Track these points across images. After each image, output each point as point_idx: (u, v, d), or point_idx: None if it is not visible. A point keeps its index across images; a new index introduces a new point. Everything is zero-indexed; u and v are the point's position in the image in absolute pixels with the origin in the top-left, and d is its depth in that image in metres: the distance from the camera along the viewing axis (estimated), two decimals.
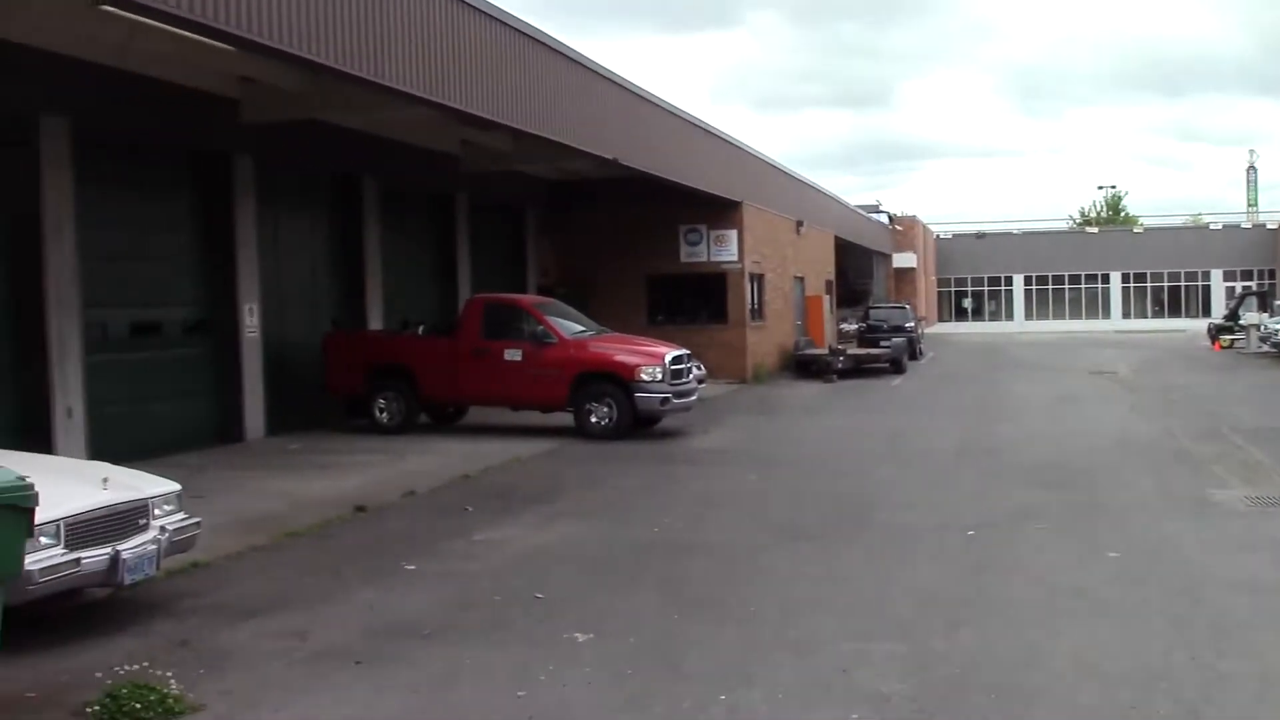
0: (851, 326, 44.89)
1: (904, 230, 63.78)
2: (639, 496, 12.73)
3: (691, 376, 18.76)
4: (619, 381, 17.56)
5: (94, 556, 7.27)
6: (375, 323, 20.85)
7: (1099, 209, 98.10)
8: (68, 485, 7.43)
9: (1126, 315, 71.83)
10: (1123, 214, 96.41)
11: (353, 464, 15.14)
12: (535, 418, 19.02)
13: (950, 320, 75.75)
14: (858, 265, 54.16)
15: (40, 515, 5.75)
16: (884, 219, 59.97)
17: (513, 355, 17.92)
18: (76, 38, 13.50)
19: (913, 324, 38.65)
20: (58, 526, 7.08)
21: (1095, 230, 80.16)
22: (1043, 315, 73.19)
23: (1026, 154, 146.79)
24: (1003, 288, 75.12)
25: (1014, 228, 77.49)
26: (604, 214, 28.88)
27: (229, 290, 17.33)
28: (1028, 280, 74.33)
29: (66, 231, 14.07)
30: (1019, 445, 16.82)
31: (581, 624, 7.60)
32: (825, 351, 31.70)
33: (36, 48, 13.22)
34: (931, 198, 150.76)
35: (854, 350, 33.67)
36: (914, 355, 37.29)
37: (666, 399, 17.58)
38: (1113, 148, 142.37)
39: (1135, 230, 76.85)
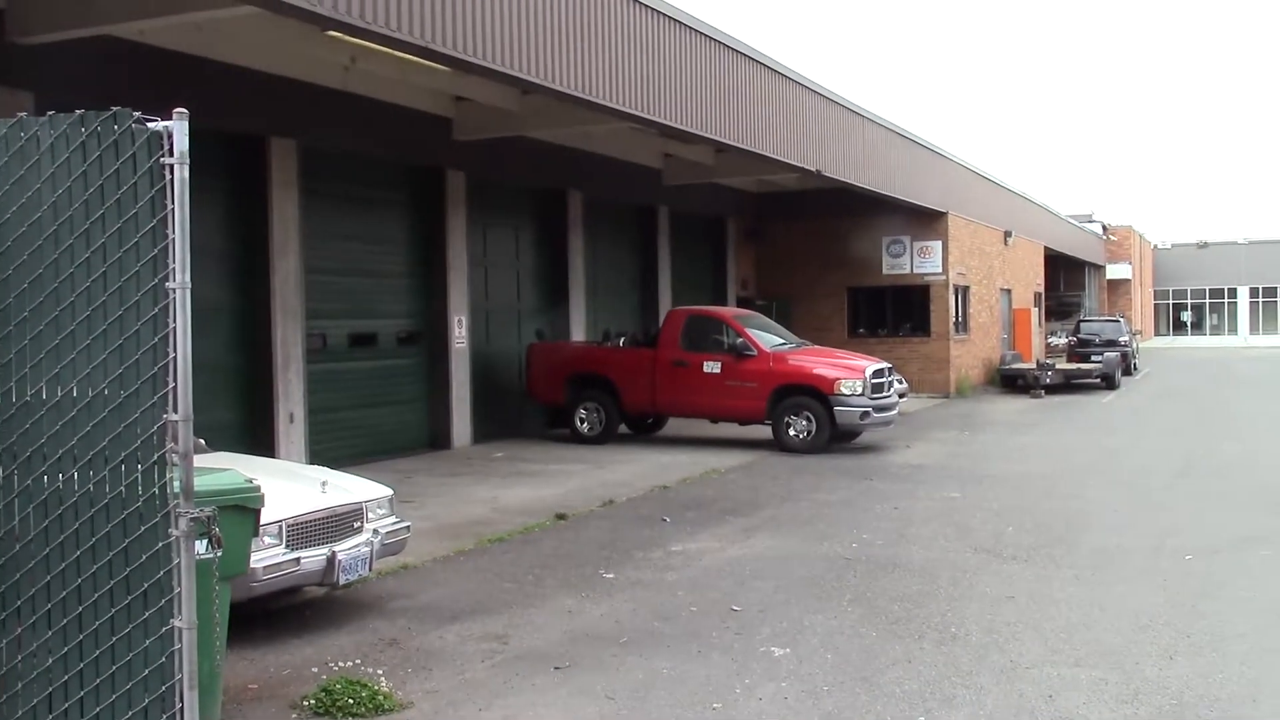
0: (1061, 340, 43.38)
1: (1118, 240, 61.40)
2: (838, 511, 12.58)
3: (892, 390, 18.42)
4: (818, 395, 17.40)
5: (313, 556, 7.62)
6: (577, 334, 21.21)
7: None
8: (290, 488, 7.80)
9: None
10: None
11: (554, 472, 15.42)
12: (733, 430, 19.00)
13: (1168, 334, 72.56)
14: (1068, 277, 52.37)
15: (265, 516, 6.06)
16: (1097, 229, 57.81)
17: (712, 367, 17.96)
18: (302, 61, 14.23)
19: (1126, 338, 37.09)
20: (280, 527, 7.45)
21: None
22: (1270, 330, 69.36)
23: (1257, 154, 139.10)
24: (1225, 300, 71.53)
25: (1240, 236, 73.63)
26: (804, 226, 28.68)
27: (439, 302, 17.91)
28: (1254, 292, 70.59)
29: (292, 246, 14.82)
30: (1244, 466, 15.92)
31: (778, 638, 7.55)
32: (1033, 366, 30.70)
33: (265, 72, 13.99)
34: (1152, 204, 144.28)
35: (1063, 365, 32.47)
36: (1128, 370, 35.75)
37: (866, 413, 17.32)
38: None
39: None
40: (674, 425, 20.01)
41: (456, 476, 15.03)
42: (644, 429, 19.91)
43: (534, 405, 19.80)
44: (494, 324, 19.59)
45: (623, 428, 19.31)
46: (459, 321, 18.13)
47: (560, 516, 12.00)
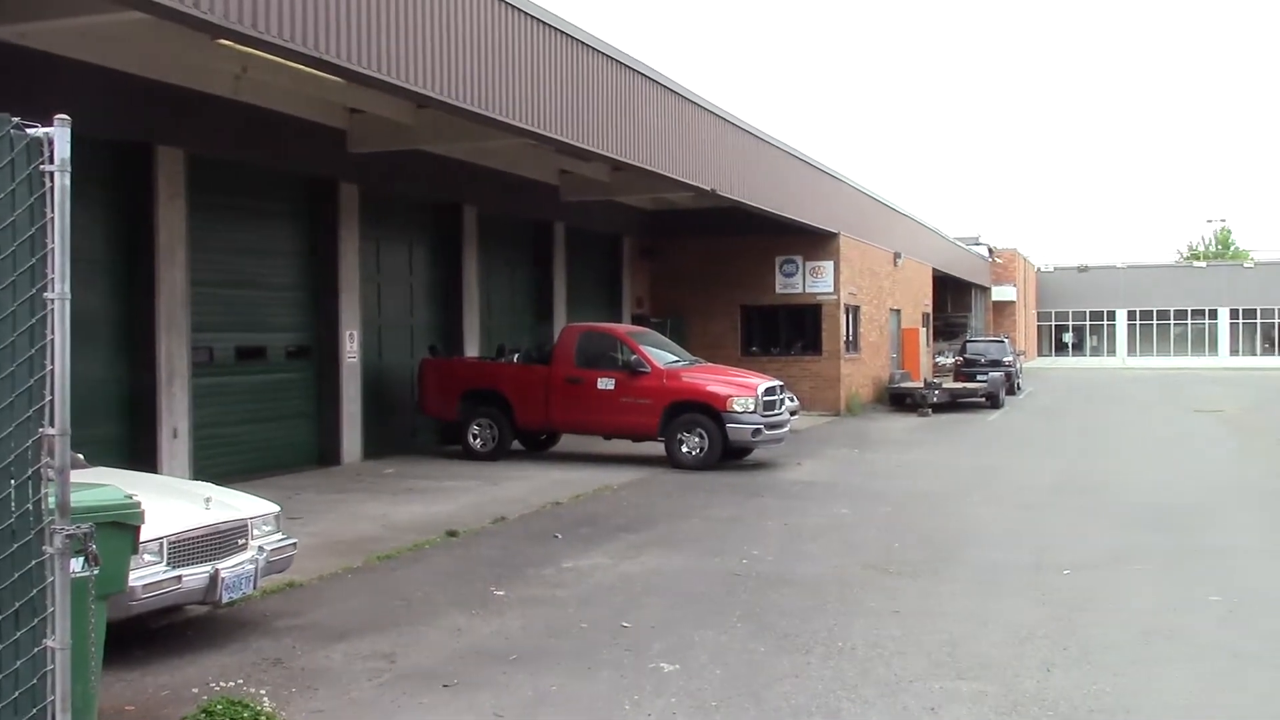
0: (948, 360, 44.32)
1: (1004, 263, 62.93)
2: (728, 527, 12.69)
3: (784, 408, 18.65)
4: (711, 412, 17.54)
5: (195, 574, 7.45)
6: (471, 349, 21.10)
7: (1208, 244, 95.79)
8: (172, 504, 7.62)
9: (1235, 352, 69.98)
10: (1232, 249, 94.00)
11: (446, 489, 15.31)
12: (627, 446, 19.05)
13: (1050, 355, 74.53)
14: (956, 298, 53.54)
15: (145, 533, 5.91)
16: (984, 251, 59.19)
17: (606, 384, 17.99)
18: (191, 69, 13.95)
19: (1011, 358, 38.06)
20: (161, 544, 7.27)
21: (1203, 264, 78.24)
22: (1146, 351, 71.73)
23: (1136, 181, 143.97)
24: (1105, 322, 73.82)
25: (1118, 260, 76.12)
26: (700, 244, 28.94)
27: (331, 316, 17.68)
28: (1131, 315, 72.98)
29: (179, 257, 14.49)
30: (1119, 484, 16.43)
31: (668, 654, 7.59)
32: (921, 385, 31.34)
33: (152, 79, 13.69)
34: (1034, 229, 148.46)
35: (950, 384, 33.18)
36: (1012, 390, 36.67)
37: (758, 430, 17.51)
38: (1221, 177, 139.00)
39: (1246, 265, 74.81)
40: (568, 442, 20.00)
41: (346, 493, 14.83)
42: (538, 446, 19.86)
43: (427, 421, 19.64)
44: (387, 339, 19.39)
45: (516, 444, 19.24)
46: (351, 336, 17.91)
47: (452, 533, 11.91)
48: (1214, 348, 70.70)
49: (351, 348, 17.93)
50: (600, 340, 18.74)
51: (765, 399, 17.74)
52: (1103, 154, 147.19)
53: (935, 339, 46.42)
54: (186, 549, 7.46)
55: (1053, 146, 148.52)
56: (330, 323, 17.68)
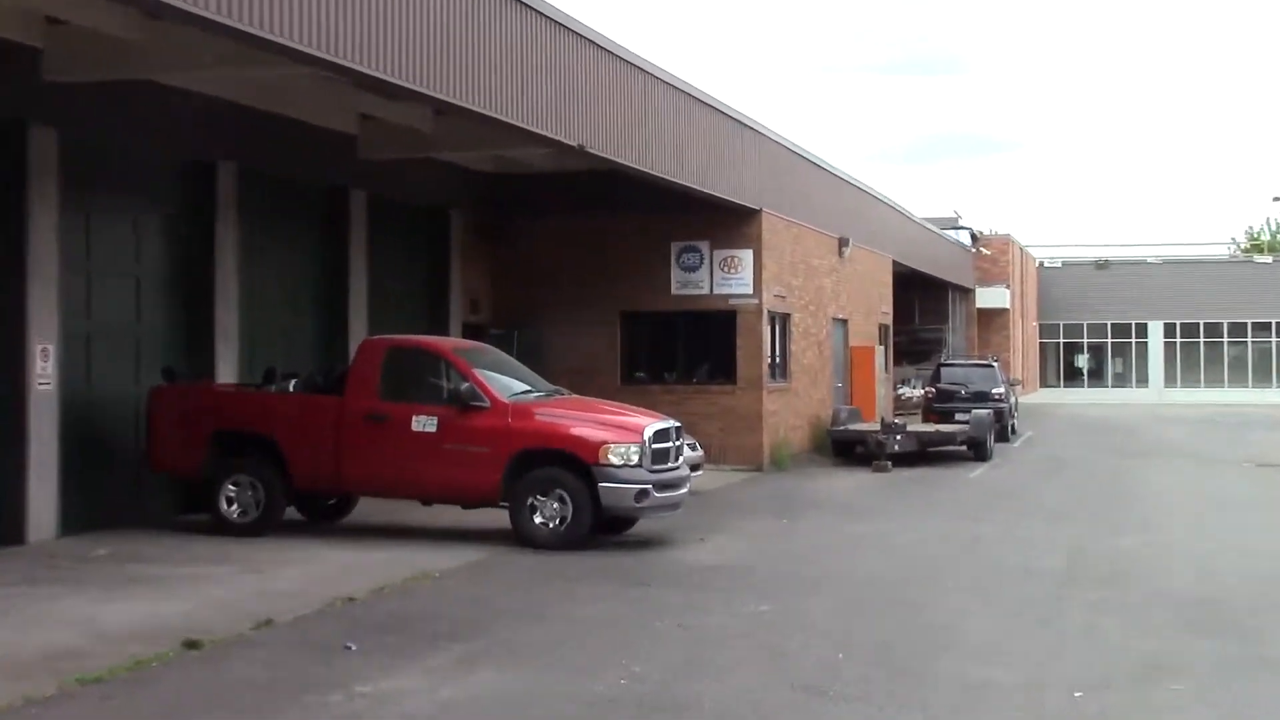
0: (915, 391, 44.98)
1: (993, 254, 63.95)
2: (600, 632, 12.63)
3: (682, 460, 18.69)
4: (577, 465, 17.49)
5: None
6: (227, 372, 20.80)
7: (1276, 229, 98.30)
8: None
9: None
10: None
11: (185, 577, 15.05)
12: (454, 515, 18.92)
13: (1057, 385, 75.85)
14: (926, 304, 54.36)
15: None
16: (965, 239, 60.13)
17: (424, 424, 17.85)
18: None
19: (1002, 389, 38.75)
20: None
21: (1269, 259, 79.91)
22: (1191, 380, 73.08)
23: (1167, 152, 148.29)
24: (1133, 340, 75.19)
25: (1151, 254, 77.42)
26: (562, 224, 28.95)
27: (10, 323, 17.33)
28: (1169, 330, 74.31)
29: None
30: (1151, 568, 16.81)
31: None
32: (876, 427, 31.71)
33: None
34: (1033, 211, 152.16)
35: (917, 426, 33.64)
36: (1004, 435, 37.34)
37: (644, 491, 17.50)
38: None
39: None
40: (368, 508, 19.80)
41: (33, 585, 14.49)
42: (324, 514, 19.68)
43: (161, 479, 19.32)
44: (100, 355, 19.04)
45: (292, 511, 19.04)
46: (43, 352, 17.56)
47: (192, 644, 11.71)
48: None
49: (43, 368, 17.58)
50: (417, 360, 18.56)
51: (655, 447, 17.75)
52: (1129, 110, 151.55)
53: (898, 361, 47.08)
54: None
55: (1057, 100, 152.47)
56: (8, 333, 17.33)
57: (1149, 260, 75.67)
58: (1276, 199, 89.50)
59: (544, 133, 19.50)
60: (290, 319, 23.26)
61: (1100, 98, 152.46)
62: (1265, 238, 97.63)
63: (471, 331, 27.39)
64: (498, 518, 18.13)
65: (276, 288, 22.78)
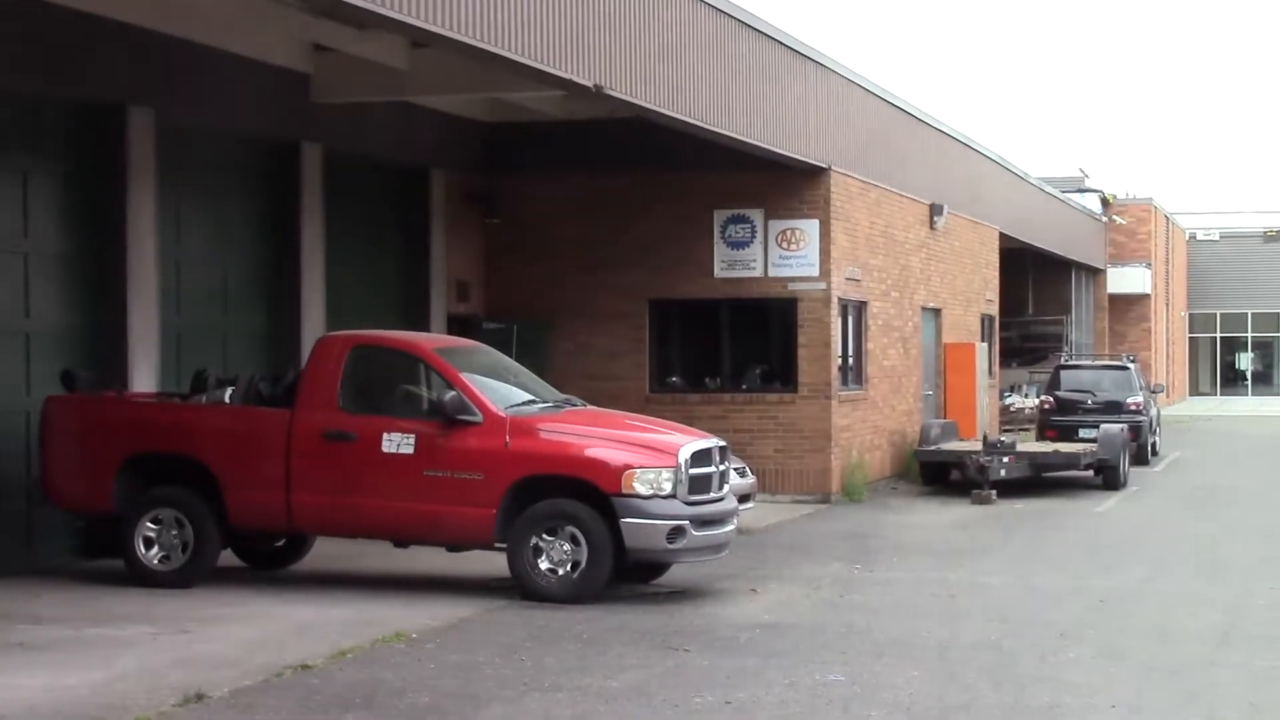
0: (1028, 401, 44.82)
1: (1130, 225, 63.67)
2: (623, 710, 12.61)
3: (728, 489, 18.67)
4: (594, 495, 17.47)
5: None
6: (144, 378, 20.84)
7: None
8: None
9: None
10: None
11: (93, 641, 15.05)
12: (438, 559, 18.94)
13: (1212, 392, 75.71)
14: (1042, 289, 54.19)
15: None
16: (1094, 204, 59.82)
17: (398, 444, 17.86)
18: None
19: (1140, 398, 38.61)
20: None
21: None
22: None
23: None
24: None
25: None
26: (574, 187, 28.97)
27: None
28: None
29: None
30: None
31: None
32: (977, 447, 31.60)
33: None
34: (1178, 173, 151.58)
35: (1030, 445, 33.54)
36: (1142, 456, 37.27)
37: (680, 529, 17.47)
38: None
39: None
40: (326, 550, 19.81)
41: None
42: (269, 558, 19.79)
43: (58, 513, 19.35)
44: None
45: (229, 555, 19.12)
46: None
47: None
48: None
49: None
50: (388, 362, 18.68)
51: (693, 472, 17.73)
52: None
53: (1006, 362, 46.95)
54: None
55: (1205, 44, 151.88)
56: None
57: None
58: None
59: (551, 70, 19.44)
60: (227, 311, 23.32)
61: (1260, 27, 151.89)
62: None
63: (459, 325, 27.45)
64: (493, 563, 18.15)
65: (209, 271, 22.82)
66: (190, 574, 18.27)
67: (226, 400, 19.04)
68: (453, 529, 17.98)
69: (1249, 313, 75.05)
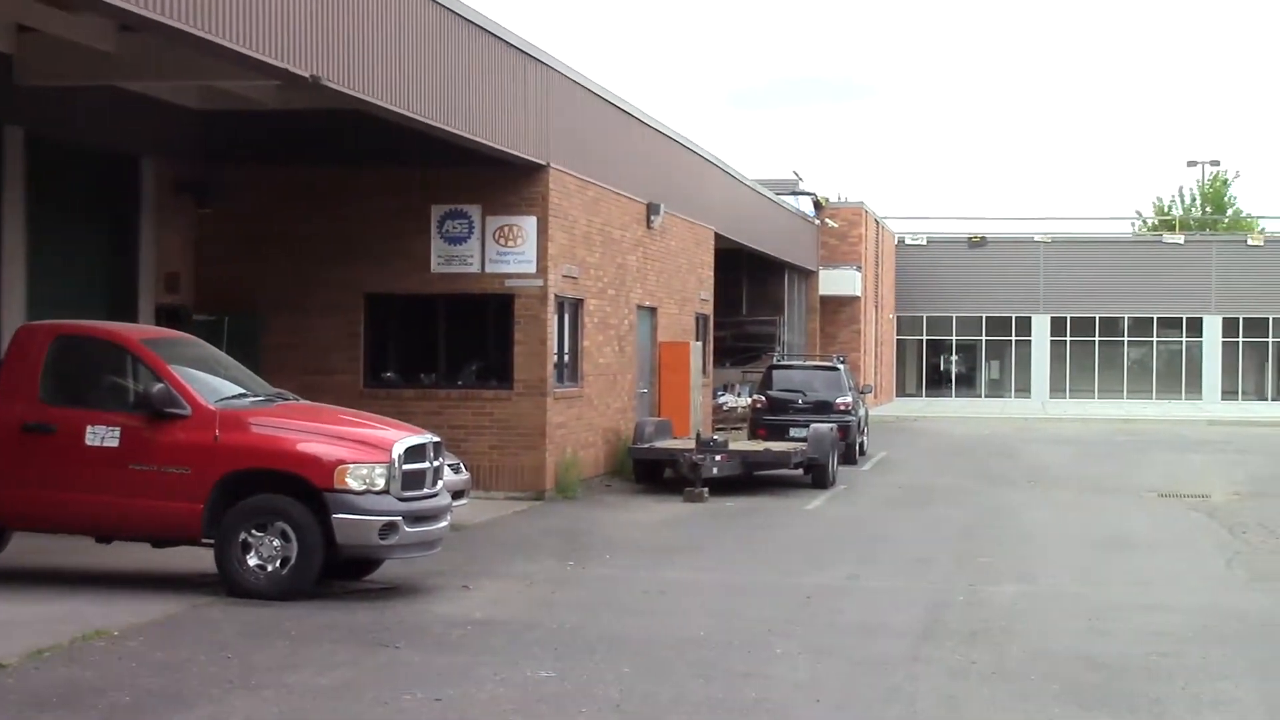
0: (740, 400, 45.24)
1: (841, 227, 64.38)
2: (329, 706, 12.59)
3: (442, 485, 18.69)
4: (305, 491, 17.38)
5: None
6: None
7: (1190, 201, 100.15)
8: None
9: (1231, 392, 73.56)
10: (1231, 211, 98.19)
11: None
12: (143, 554, 18.72)
13: (918, 393, 76.96)
14: (756, 289, 54.69)
15: None
16: (807, 206, 60.47)
17: (102, 437, 17.59)
18: None
19: (849, 398, 39.17)
20: None
21: (1180, 239, 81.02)
22: (1082, 389, 74.68)
23: (1059, 107, 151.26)
24: (1014, 337, 76.53)
25: (1037, 230, 78.58)
26: (290, 178, 28.70)
27: None
28: (1057, 325, 75.70)
29: None
30: (1029, 625, 17.17)
31: None
32: (690, 445, 31.83)
33: None
34: (889, 171, 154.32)
35: (742, 445, 33.90)
36: (850, 455, 37.84)
37: (393, 525, 17.43)
38: (1214, 100, 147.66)
39: (1251, 242, 77.69)
40: (23, 545, 19.44)
41: None
42: None
43: None
44: None
45: None
46: None
47: None
48: (1196, 384, 74.12)
49: None
50: (92, 352, 18.41)
51: (407, 468, 17.71)
52: (1012, 53, 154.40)
53: (720, 362, 47.32)
54: None
55: (918, 36, 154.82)
56: None
57: (1035, 238, 77.10)
58: (1192, 163, 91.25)
59: (266, 59, 19.25)
60: None
61: (973, 37, 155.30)
62: (1177, 212, 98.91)
63: (168, 317, 27.08)
64: (201, 558, 17.98)
65: None
66: None
67: None
68: (158, 524, 17.73)
69: (954, 316, 76.39)
